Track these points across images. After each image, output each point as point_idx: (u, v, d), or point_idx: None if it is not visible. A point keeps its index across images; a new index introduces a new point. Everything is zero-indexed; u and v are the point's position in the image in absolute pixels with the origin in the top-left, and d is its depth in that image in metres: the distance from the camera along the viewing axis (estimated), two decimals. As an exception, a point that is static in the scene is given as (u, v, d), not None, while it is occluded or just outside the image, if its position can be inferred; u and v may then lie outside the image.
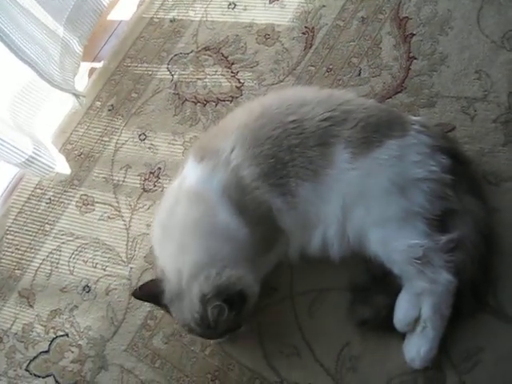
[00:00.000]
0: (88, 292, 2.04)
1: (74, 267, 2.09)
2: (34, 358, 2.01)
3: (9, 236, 2.19)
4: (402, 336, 1.71)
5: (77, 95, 2.26)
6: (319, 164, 1.67)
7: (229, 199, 1.68)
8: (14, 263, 2.15)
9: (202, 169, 1.73)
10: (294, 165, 1.68)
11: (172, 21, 2.40)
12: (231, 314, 1.59)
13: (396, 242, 1.64)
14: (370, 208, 1.65)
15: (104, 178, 2.19)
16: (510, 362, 1.68)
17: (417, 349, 1.66)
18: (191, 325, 1.65)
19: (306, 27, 2.23)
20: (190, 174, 1.76)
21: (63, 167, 2.20)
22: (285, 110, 1.72)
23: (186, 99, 2.24)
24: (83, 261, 2.09)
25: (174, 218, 1.73)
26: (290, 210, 1.70)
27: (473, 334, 1.71)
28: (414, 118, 1.82)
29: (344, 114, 1.71)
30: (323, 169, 1.67)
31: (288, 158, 1.68)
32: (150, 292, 1.69)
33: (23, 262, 2.14)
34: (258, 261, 1.73)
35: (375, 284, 1.76)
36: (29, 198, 2.23)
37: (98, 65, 2.42)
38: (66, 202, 2.20)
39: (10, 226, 2.21)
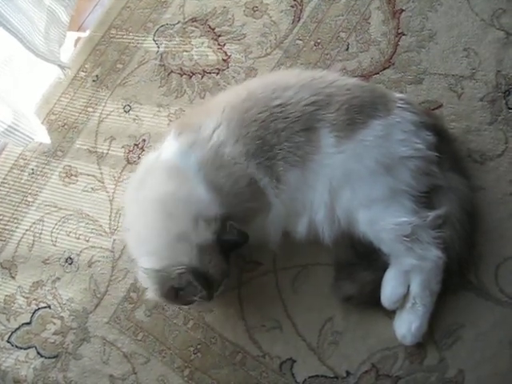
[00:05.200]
0: (71, 264, 2.03)
1: (56, 239, 2.08)
2: (16, 329, 2.01)
3: (-9, 207, 2.18)
4: (385, 311, 1.73)
5: (62, 66, 2.22)
6: (306, 150, 1.67)
7: (204, 176, 1.67)
8: (-4, 234, 2.14)
9: (180, 143, 1.73)
10: (281, 148, 1.67)
11: (159, -9, 2.36)
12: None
13: (384, 221, 1.65)
14: (356, 190, 1.65)
15: (88, 149, 2.17)
16: (488, 338, 1.70)
17: (407, 325, 1.68)
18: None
19: (294, 0, 2.20)
20: (168, 148, 1.75)
21: (44, 138, 2.17)
22: (270, 94, 1.71)
23: (172, 71, 2.22)
24: (66, 232, 2.08)
25: (144, 191, 1.73)
26: (275, 197, 1.70)
27: (454, 311, 1.73)
28: (398, 95, 1.81)
29: (328, 98, 1.70)
30: (310, 155, 1.67)
31: (275, 140, 1.67)
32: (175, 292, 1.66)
33: (5, 233, 2.12)
34: None
35: (360, 260, 1.77)
36: (11, 169, 2.20)
37: (83, 35, 2.38)
38: (49, 172, 2.17)
39: (-9, 197, 2.19)
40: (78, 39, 2.38)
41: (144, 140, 2.13)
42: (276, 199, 1.70)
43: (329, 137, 1.66)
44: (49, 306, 2.01)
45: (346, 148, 1.65)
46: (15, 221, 2.13)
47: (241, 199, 1.69)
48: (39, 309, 2.01)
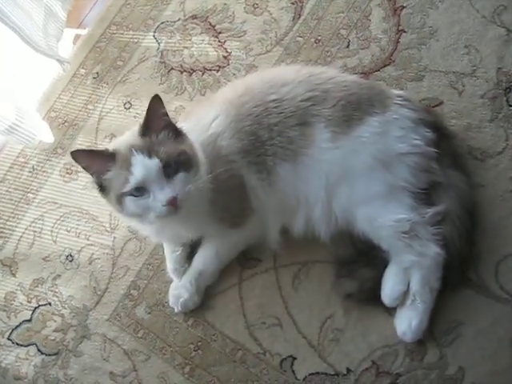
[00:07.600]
0: (71, 261, 2.03)
1: (57, 236, 2.08)
2: (17, 326, 2.01)
3: (-9, 204, 2.18)
4: (385, 309, 1.73)
5: (61, 61, 2.22)
6: (299, 144, 1.67)
7: (204, 155, 1.63)
8: (-4, 232, 2.13)
9: (182, 126, 1.72)
10: (272, 144, 1.68)
11: (159, -12, 2.35)
12: None
13: (383, 218, 1.65)
14: (354, 186, 1.66)
15: (88, 146, 2.16)
16: (489, 335, 1.70)
17: (408, 322, 1.68)
18: None
19: (295, -3, 2.21)
20: None
21: (47, 135, 2.17)
22: (266, 90, 1.72)
23: (172, 68, 2.21)
24: (66, 230, 2.08)
25: None
26: (265, 188, 1.70)
27: (454, 308, 1.73)
28: (397, 92, 1.81)
29: (324, 94, 1.70)
30: (303, 149, 1.67)
31: (267, 136, 1.68)
32: None
33: (5, 230, 2.13)
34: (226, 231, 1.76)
35: (360, 257, 1.77)
36: (11, 167, 2.21)
37: (83, 32, 2.38)
38: (49, 170, 2.17)
39: (-9, 195, 2.19)
40: (78, 36, 2.38)
41: (144, 137, 2.13)
42: (267, 196, 1.71)
43: (324, 132, 1.66)
44: (49, 304, 2.01)
45: (342, 144, 1.65)
46: (16, 218, 2.14)
47: (232, 193, 1.69)
48: (39, 306, 2.01)
